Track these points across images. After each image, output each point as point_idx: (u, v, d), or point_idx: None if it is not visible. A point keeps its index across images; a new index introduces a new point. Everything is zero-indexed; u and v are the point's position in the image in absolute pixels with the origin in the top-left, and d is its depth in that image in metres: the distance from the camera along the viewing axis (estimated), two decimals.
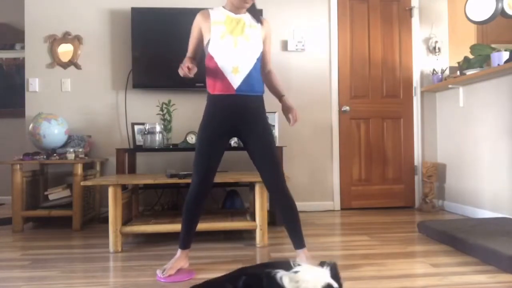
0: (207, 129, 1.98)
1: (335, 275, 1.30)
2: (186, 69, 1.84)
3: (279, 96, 2.12)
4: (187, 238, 2.04)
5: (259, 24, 2.04)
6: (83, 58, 3.65)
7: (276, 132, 3.48)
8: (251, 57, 1.97)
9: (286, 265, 1.30)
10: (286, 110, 2.07)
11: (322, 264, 1.33)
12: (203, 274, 1.92)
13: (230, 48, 1.93)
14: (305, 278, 1.24)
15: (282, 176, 2.00)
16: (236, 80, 1.94)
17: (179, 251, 2.04)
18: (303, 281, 1.23)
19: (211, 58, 1.95)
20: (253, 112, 1.99)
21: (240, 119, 1.99)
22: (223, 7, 2.04)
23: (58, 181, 3.45)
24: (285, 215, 2.03)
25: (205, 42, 1.99)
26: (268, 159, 1.97)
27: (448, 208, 3.72)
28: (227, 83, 1.94)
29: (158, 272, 1.93)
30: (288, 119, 2.06)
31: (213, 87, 1.97)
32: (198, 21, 2.01)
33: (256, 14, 2.06)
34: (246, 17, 2.02)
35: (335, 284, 1.26)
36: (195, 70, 1.90)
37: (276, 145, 3.41)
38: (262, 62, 2.10)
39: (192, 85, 3.56)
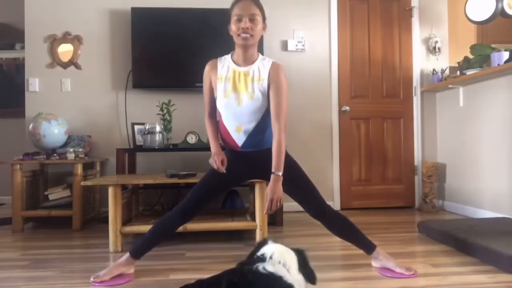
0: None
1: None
2: (220, 165, 1.87)
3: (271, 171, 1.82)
4: (142, 250, 1.97)
5: (267, 74, 1.85)
6: (83, 58, 3.65)
7: None
8: (255, 115, 1.85)
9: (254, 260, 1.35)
10: (267, 192, 1.80)
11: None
12: (203, 274, 1.92)
13: (233, 107, 1.85)
14: (281, 257, 1.31)
15: (318, 201, 1.95)
16: (239, 138, 1.89)
17: (127, 256, 1.95)
18: (282, 258, 1.30)
19: (219, 113, 1.93)
20: (265, 162, 1.85)
21: (252, 169, 1.96)
22: (232, 56, 1.92)
23: (58, 181, 3.45)
24: (342, 233, 2.02)
25: (215, 95, 1.94)
26: (298, 192, 1.95)
27: (448, 208, 3.72)
28: (231, 140, 1.91)
29: (92, 277, 1.87)
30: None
31: (223, 139, 1.97)
32: (207, 72, 1.94)
33: (265, 65, 1.88)
34: (254, 68, 1.87)
35: (301, 249, 1.42)
36: (225, 162, 1.90)
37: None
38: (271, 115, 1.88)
39: (192, 85, 3.57)
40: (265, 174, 1.87)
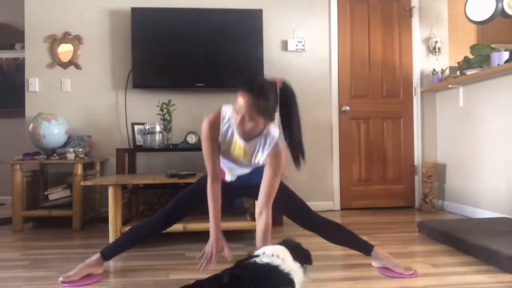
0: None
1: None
2: (215, 256, 1.71)
3: None
4: (115, 252, 1.98)
5: (266, 156, 1.70)
6: (83, 58, 3.65)
7: None
8: (249, 169, 1.82)
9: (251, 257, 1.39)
10: None
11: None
12: (203, 274, 1.92)
13: (229, 162, 1.81)
14: (273, 251, 1.35)
15: (308, 214, 1.95)
16: (230, 177, 1.88)
17: (97, 256, 1.93)
18: (275, 252, 1.35)
19: None
20: (252, 189, 1.79)
21: (239, 192, 1.98)
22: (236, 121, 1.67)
23: (58, 181, 3.45)
24: (337, 240, 2.03)
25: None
26: (288, 210, 1.96)
27: (448, 208, 3.72)
28: (223, 173, 1.88)
29: (61, 277, 1.86)
30: None
31: None
32: (209, 131, 1.72)
33: (270, 143, 1.69)
34: (257, 143, 1.70)
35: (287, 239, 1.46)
36: (227, 251, 1.74)
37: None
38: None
39: (192, 85, 3.57)
40: (252, 194, 1.83)
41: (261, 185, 1.70)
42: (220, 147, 1.76)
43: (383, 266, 1.98)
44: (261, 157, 1.72)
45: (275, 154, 1.68)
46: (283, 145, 1.70)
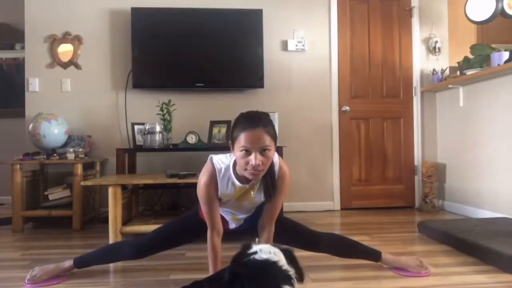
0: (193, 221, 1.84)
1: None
2: None
3: None
4: (87, 264, 1.95)
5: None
6: (83, 58, 3.65)
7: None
8: (252, 210, 1.79)
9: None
10: None
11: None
12: (203, 274, 1.92)
13: (231, 211, 1.79)
14: (269, 249, 1.35)
15: (309, 236, 1.92)
16: (236, 223, 1.85)
17: (70, 264, 1.91)
18: (272, 250, 1.34)
19: None
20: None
21: (251, 229, 1.88)
22: (233, 169, 1.62)
23: (58, 181, 3.44)
24: (345, 254, 2.01)
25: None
26: (288, 239, 1.86)
27: (448, 208, 3.72)
28: (224, 221, 1.80)
29: (26, 279, 1.83)
30: None
31: None
32: (206, 187, 1.62)
33: (273, 183, 1.64)
34: (259, 183, 1.66)
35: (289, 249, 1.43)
36: None
37: (276, 145, 3.42)
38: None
39: (192, 85, 3.57)
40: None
41: (266, 207, 1.70)
42: (221, 200, 1.69)
43: (395, 267, 1.98)
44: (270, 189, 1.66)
45: (281, 177, 1.66)
46: (284, 164, 1.69)
